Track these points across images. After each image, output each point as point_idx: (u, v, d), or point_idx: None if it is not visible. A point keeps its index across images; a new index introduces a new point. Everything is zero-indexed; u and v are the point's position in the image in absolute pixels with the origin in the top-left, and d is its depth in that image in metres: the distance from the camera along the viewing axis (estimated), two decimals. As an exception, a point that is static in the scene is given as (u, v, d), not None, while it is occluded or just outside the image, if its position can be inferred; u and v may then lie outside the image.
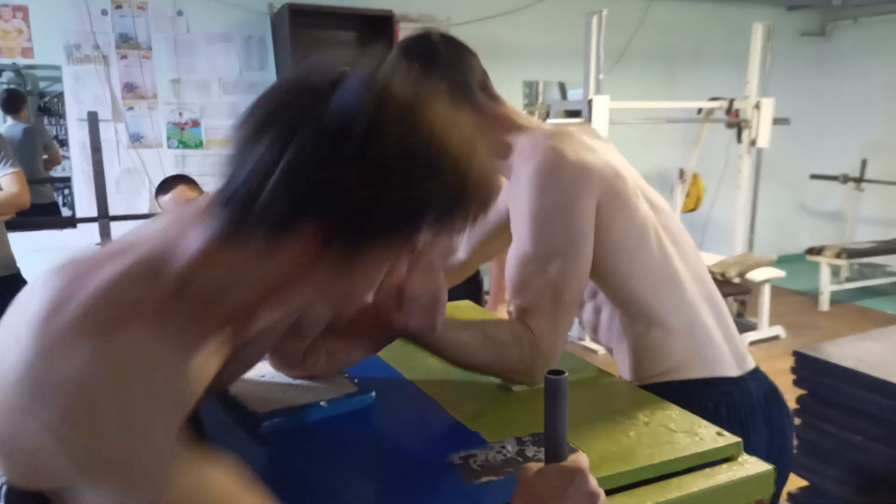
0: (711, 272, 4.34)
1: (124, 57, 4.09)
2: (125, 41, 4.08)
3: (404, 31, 4.43)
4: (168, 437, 0.56)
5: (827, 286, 5.07)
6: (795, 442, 1.83)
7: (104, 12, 4.01)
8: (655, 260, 1.15)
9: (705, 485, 0.84)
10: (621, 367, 1.22)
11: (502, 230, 1.34)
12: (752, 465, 0.88)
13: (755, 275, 4.34)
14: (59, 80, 4.01)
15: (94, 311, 0.56)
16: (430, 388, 1.09)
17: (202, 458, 0.60)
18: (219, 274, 0.63)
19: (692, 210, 5.44)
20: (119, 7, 4.04)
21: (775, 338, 4.41)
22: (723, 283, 4.29)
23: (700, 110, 4.98)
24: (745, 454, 0.91)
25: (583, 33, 4.19)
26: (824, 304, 5.10)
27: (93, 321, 0.56)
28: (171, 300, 0.60)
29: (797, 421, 1.83)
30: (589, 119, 4.03)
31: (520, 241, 1.08)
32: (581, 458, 0.71)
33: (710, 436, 0.92)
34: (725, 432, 0.93)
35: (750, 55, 4.64)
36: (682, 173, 5.25)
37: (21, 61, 3.91)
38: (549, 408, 0.72)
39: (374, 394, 1.03)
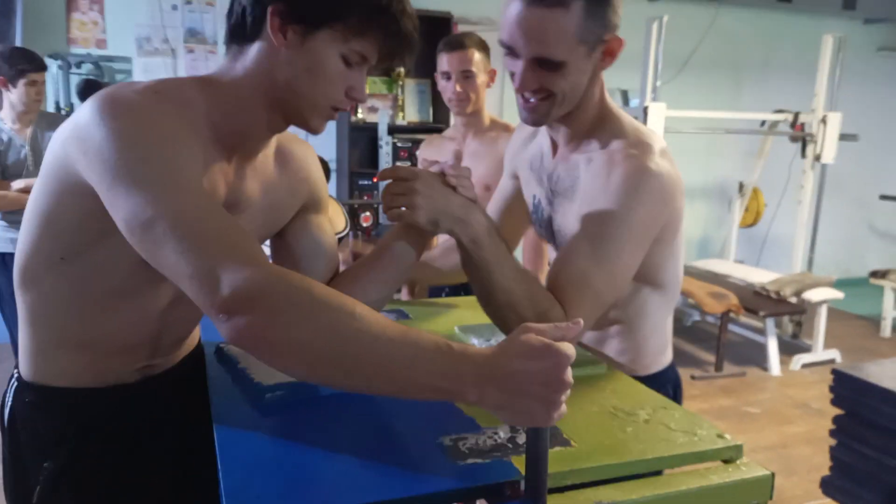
0: (766, 290, 4.21)
1: (191, 51, 4.26)
2: (193, 35, 4.24)
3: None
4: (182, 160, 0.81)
5: (890, 311, 4.84)
6: (829, 463, 1.77)
7: (174, 7, 4.19)
8: (680, 252, 1.25)
9: (696, 484, 0.83)
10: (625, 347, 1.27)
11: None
12: (748, 469, 0.86)
13: (812, 295, 4.18)
14: (129, 71, 4.20)
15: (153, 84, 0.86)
16: (434, 374, 1.10)
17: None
18: (225, 84, 0.92)
19: (751, 225, 5.29)
20: (189, 3, 4.20)
21: (831, 361, 4.24)
22: (778, 301, 4.15)
23: (763, 122, 4.84)
24: (744, 458, 0.89)
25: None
26: (886, 329, 4.87)
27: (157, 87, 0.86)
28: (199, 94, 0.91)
29: (832, 442, 1.76)
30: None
31: (590, 235, 1.08)
32: (566, 346, 0.71)
33: (709, 437, 0.90)
34: (726, 434, 0.91)
35: (818, 68, 4.48)
36: (741, 187, 5.12)
37: (95, 52, 4.11)
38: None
39: (377, 374, 1.05)
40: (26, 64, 2.85)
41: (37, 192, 0.91)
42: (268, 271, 0.75)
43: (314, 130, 0.96)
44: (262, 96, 0.91)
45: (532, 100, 1.10)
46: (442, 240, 1.43)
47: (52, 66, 3.96)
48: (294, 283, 0.75)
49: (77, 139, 0.82)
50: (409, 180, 1.02)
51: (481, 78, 2.16)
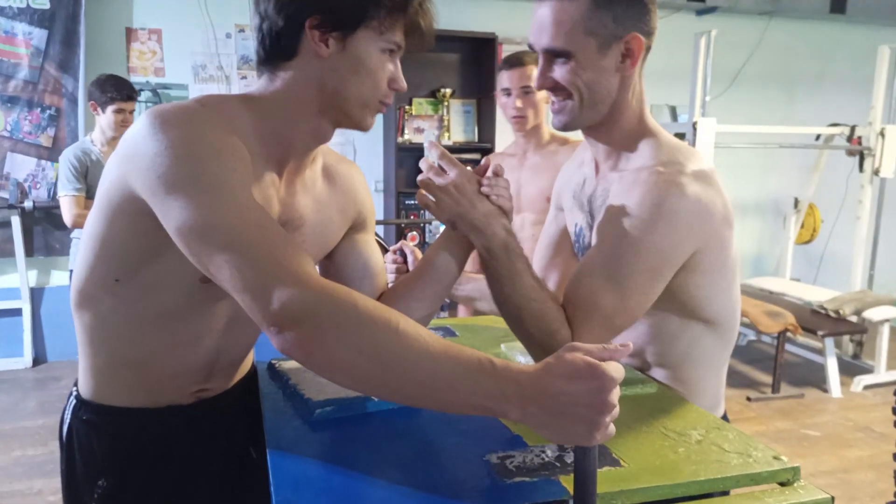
0: (824, 308, 4.08)
1: (244, 77, 4.39)
2: (245, 62, 4.37)
3: (507, 53, 4.49)
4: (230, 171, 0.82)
5: (959, 331, 4.62)
6: (895, 489, 1.69)
7: (228, 35, 4.33)
8: (732, 285, 1.17)
9: (751, 507, 0.80)
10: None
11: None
12: (806, 492, 0.83)
13: (873, 314, 4.02)
14: (186, 98, 4.35)
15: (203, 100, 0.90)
16: (481, 392, 1.10)
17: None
18: (270, 99, 0.94)
19: (807, 242, 5.14)
20: (242, 31, 4.34)
21: (894, 383, 4.06)
22: (837, 320, 4.01)
23: (818, 136, 4.72)
24: (802, 481, 0.86)
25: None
26: (955, 349, 4.65)
27: (203, 101, 0.89)
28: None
29: (898, 466, 1.69)
30: (693, 143, 3.91)
31: (604, 254, 1.06)
32: (614, 367, 0.70)
33: (764, 458, 0.88)
34: (783, 456, 0.88)
35: (875, 79, 4.35)
36: (797, 202, 4.98)
37: (153, 80, 4.27)
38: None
39: (425, 392, 1.05)
40: (115, 92, 3.05)
41: (92, 215, 0.94)
42: (316, 288, 0.76)
43: (366, 127, 0.98)
44: (311, 106, 0.94)
45: (555, 102, 1.10)
46: None
47: (113, 93, 4.14)
48: (340, 299, 0.76)
49: (129, 156, 0.85)
50: (445, 174, 1.04)
51: (540, 94, 2.17)
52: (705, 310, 1.14)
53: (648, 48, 1.10)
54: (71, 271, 3.10)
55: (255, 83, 0.97)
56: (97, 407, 1.03)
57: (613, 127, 1.12)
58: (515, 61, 2.17)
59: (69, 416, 1.06)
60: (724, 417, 1.26)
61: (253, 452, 1.14)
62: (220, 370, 1.09)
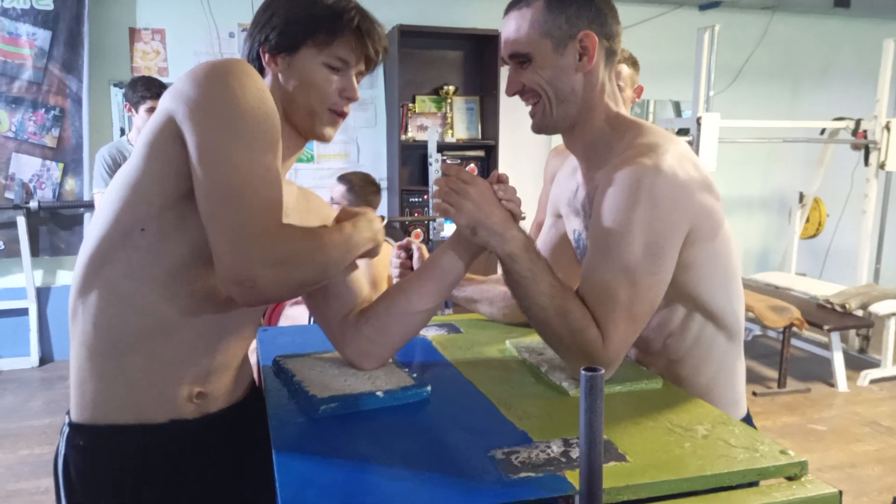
0: (830, 303, 4.06)
1: (247, 76, 4.39)
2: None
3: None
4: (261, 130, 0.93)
5: (966, 324, 4.60)
6: None
7: (231, 35, 4.33)
8: (731, 274, 1.16)
9: (758, 501, 0.80)
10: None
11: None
12: (814, 487, 0.83)
13: (879, 308, 4.01)
14: (189, 96, 4.35)
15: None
16: (486, 388, 1.10)
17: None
18: None
19: (812, 236, 5.12)
20: (245, 30, 4.33)
21: (902, 377, 4.06)
22: (843, 315, 4.00)
23: (823, 130, 4.70)
24: (809, 475, 0.86)
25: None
26: (963, 343, 4.63)
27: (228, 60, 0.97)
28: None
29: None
30: (697, 138, 3.91)
31: (600, 247, 1.07)
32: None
33: (771, 453, 0.87)
34: (790, 451, 0.88)
35: (880, 73, 4.33)
36: (802, 197, 4.96)
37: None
38: (585, 404, 0.71)
39: (429, 388, 1.05)
40: (146, 91, 3.23)
41: (123, 170, 0.98)
42: (275, 239, 0.91)
43: (321, 136, 1.09)
44: (281, 112, 1.05)
45: (529, 107, 1.16)
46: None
47: (117, 94, 4.14)
48: (292, 248, 0.93)
49: (179, 94, 0.93)
50: (467, 184, 1.08)
51: (627, 93, 2.20)
52: (710, 301, 1.14)
53: (613, 51, 1.14)
54: None
55: None
56: (92, 429, 0.99)
57: (587, 127, 1.16)
58: None
59: (63, 446, 1.02)
60: (748, 419, 1.26)
61: (257, 470, 1.10)
62: (220, 366, 1.05)
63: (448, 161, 4.51)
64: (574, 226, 1.28)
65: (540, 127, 1.17)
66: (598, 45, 1.10)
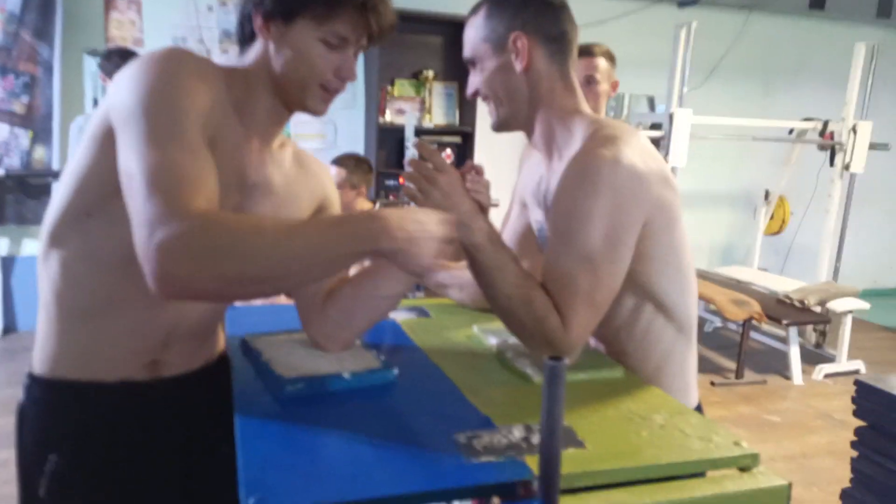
0: (790, 298, 4.16)
1: (226, 51, 4.32)
2: (227, 36, 4.31)
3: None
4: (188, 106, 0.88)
5: (919, 324, 4.76)
6: (850, 475, 1.75)
7: (210, 8, 4.25)
8: (685, 267, 1.19)
9: (710, 491, 0.83)
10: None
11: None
12: (765, 478, 0.86)
13: (836, 305, 4.12)
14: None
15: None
16: (453, 373, 1.11)
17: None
18: (237, 72, 1.01)
19: (776, 233, 5.23)
20: (224, 5, 4.27)
21: (855, 372, 4.18)
22: (801, 310, 4.10)
23: (792, 130, 4.79)
24: (761, 467, 0.89)
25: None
26: (915, 342, 4.79)
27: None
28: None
29: (854, 454, 1.74)
30: (669, 133, 3.95)
31: (560, 235, 1.09)
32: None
33: (725, 444, 0.90)
34: (743, 442, 0.91)
35: (850, 75, 4.42)
36: (767, 194, 5.06)
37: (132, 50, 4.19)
38: (547, 392, 0.73)
39: (396, 371, 1.07)
40: (122, 62, 3.12)
41: (76, 154, 0.97)
42: (191, 218, 0.80)
43: (313, 110, 1.04)
44: (266, 84, 1.02)
45: (487, 106, 1.21)
46: None
47: (91, 63, 4.05)
48: (211, 229, 0.81)
49: (113, 89, 0.91)
50: (438, 171, 1.08)
51: (603, 86, 2.21)
52: (660, 289, 1.17)
53: (560, 49, 1.17)
54: None
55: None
56: (49, 382, 1.02)
57: (544, 122, 1.19)
58: (584, 51, 2.20)
59: (23, 396, 1.05)
60: (698, 408, 1.30)
61: (218, 437, 1.11)
62: (178, 338, 1.07)
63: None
64: (537, 216, 1.31)
65: (494, 125, 1.23)
66: (534, 45, 1.14)
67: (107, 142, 0.91)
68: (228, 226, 0.81)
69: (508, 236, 1.44)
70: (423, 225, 0.91)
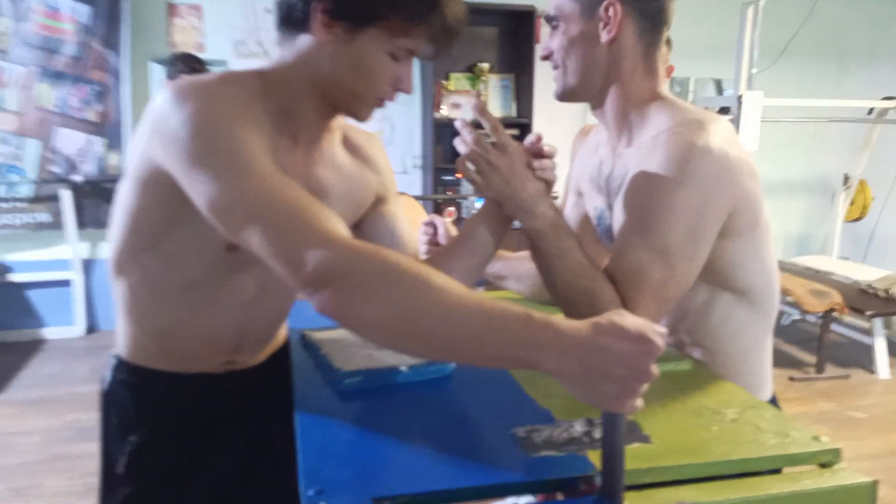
0: (874, 288, 3.95)
1: (281, 52, 4.39)
2: (285, 37, 4.38)
3: (546, 27, 4.41)
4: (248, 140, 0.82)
5: None
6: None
7: (267, 10, 4.33)
8: (768, 258, 1.13)
9: (787, 488, 0.78)
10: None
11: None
12: (847, 475, 0.80)
13: (925, 294, 3.88)
14: (225, 73, 4.37)
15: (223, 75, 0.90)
16: (511, 366, 1.09)
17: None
18: (275, 74, 0.93)
19: (857, 219, 4.97)
20: (281, 5, 4.34)
21: (946, 366, 3.94)
22: (886, 300, 3.88)
23: (871, 110, 4.54)
24: (843, 463, 0.83)
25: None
26: None
27: (222, 75, 0.90)
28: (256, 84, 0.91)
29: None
30: (738, 117, 3.80)
31: (638, 225, 1.03)
32: (659, 336, 0.68)
33: (802, 439, 0.85)
34: (823, 437, 0.85)
35: (934, 49, 4.16)
36: (846, 179, 4.81)
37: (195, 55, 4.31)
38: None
39: (453, 364, 1.05)
40: (185, 67, 3.26)
41: (124, 187, 0.97)
42: (344, 246, 0.77)
43: (361, 119, 0.98)
44: (309, 84, 0.94)
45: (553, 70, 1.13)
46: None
47: (157, 69, 4.19)
48: (369, 256, 0.76)
49: (154, 130, 0.86)
50: (498, 150, 1.02)
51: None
52: (735, 277, 1.11)
53: (653, 28, 1.08)
54: None
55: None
56: (133, 368, 1.08)
57: (617, 101, 1.11)
58: None
59: (109, 375, 1.11)
60: (773, 401, 1.23)
61: (278, 427, 1.15)
62: (248, 343, 1.12)
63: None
64: (596, 203, 1.25)
65: (559, 94, 1.14)
66: (627, 18, 1.05)
67: (158, 183, 0.89)
68: (387, 262, 0.75)
69: None
70: (612, 357, 0.68)
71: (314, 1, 0.87)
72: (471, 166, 1.03)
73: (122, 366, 1.09)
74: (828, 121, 4.51)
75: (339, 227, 0.80)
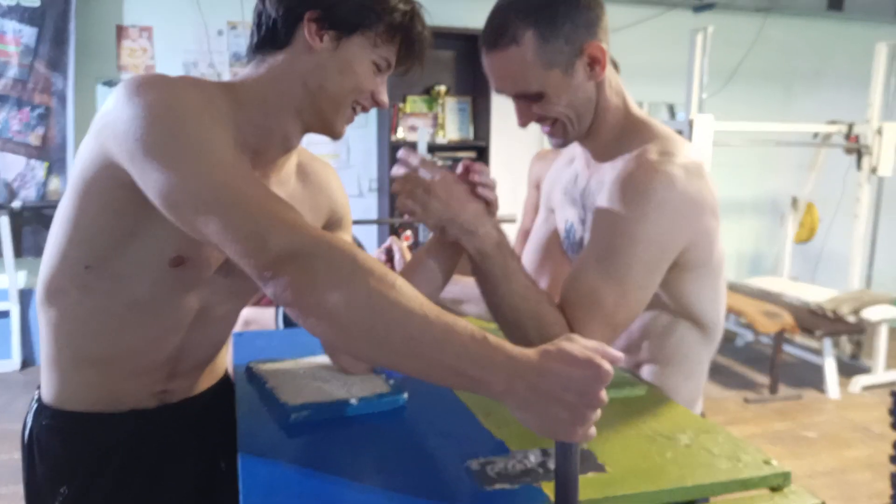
0: (822, 308, 4.05)
1: (236, 74, 4.34)
2: (237, 60, 4.33)
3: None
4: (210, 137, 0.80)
5: (959, 330, 4.59)
6: (891, 491, 1.66)
7: (220, 32, 4.29)
8: (719, 286, 1.15)
9: (740, 515, 0.77)
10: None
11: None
12: (797, 498, 0.81)
13: (871, 313, 3.99)
14: (178, 95, 4.30)
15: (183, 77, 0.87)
16: (465, 395, 1.06)
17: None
18: (247, 88, 0.92)
19: (805, 241, 5.10)
20: (234, 28, 4.30)
21: (893, 383, 4.03)
22: (835, 320, 3.98)
23: (816, 134, 4.69)
24: (793, 486, 0.83)
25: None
26: (955, 349, 4.62)
27: (180, 76, 0.86)
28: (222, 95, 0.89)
29: (893, 468, 1.66)
30: (690, 141, 3.88)
31: (598, 250, 1.03)
32: (608, 363, 0.67)
33: (754, 463, 0.85)
34: (773, 460, 0.85)
35: (872, 76, 4.32)
36: (794, 201, 4.95)
37: (146, 78, 4.23)
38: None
39: (405, 395, 1.02)
40: None
41: (64, 200, 0.92)
42: (313, 233, 0.76)
43: (336, 133, 0.97)
44: (289, 100, 0.93)
45: (546, 128, 1.10)
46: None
47: (104, 92, 4.09)
48: (338, 246, 0.76)
49: (105, 125, 0.83)
50: (433, 173, 1.00)
51: None
52: (693, 307, 1.13)
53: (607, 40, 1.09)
54: None
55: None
56: (57, 412, 1.00)
57: (601, 127, 1.11)
58: None
59: (31, 420, 1.03)
60: (702, 414, 1.25)
61: (223, 465, 1.10)
62: (183, 370, 1.06)
63: (434, 158, 4.48)
64: (567, 215, 1.24)
65: (563, 145, 1.14)
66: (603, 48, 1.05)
67: (107, 184, 0.85)
68: (356, 255, 0.75)
69: (533, 244, 1.38)
70: (562, 383, 0.67)
71: (304, 13, 0.90)
72: (407, 201, 1.01)
73: (43, 410, 1.01)
74: (776, 144, 4.64)
75: (307, 220, 0.79)
